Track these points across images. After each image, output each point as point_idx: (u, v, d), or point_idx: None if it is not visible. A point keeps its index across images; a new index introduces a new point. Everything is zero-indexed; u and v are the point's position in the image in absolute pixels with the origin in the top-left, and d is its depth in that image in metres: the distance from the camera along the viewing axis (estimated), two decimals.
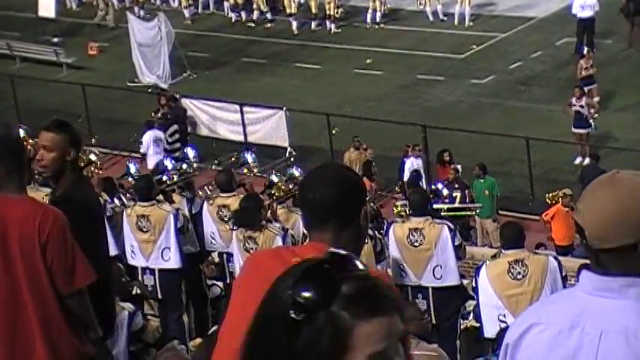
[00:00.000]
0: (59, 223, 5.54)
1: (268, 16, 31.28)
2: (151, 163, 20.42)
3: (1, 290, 5.51)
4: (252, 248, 10.65)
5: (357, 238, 3.60)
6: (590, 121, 21.73)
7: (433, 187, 16.81)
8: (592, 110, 21.80)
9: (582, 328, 2.87)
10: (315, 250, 3.50)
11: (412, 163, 20.02)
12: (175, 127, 23.02)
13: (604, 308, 2.86)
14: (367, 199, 3.73)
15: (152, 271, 11.59)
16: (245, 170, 14.76)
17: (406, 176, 19.57)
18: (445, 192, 16.84)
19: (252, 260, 3.78)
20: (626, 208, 2.84)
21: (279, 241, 10.65)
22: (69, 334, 5.68)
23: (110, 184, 14.47)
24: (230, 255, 11.60)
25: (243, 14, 31.82)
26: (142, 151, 21.87)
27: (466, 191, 18.50)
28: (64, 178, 6.12)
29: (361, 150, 20.93)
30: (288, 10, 30.42)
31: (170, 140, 22.56)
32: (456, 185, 18.00)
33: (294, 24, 30.33)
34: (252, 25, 31.48)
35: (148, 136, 22.00)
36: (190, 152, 15.62)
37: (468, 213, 18.15)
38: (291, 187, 12.71)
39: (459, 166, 19.27)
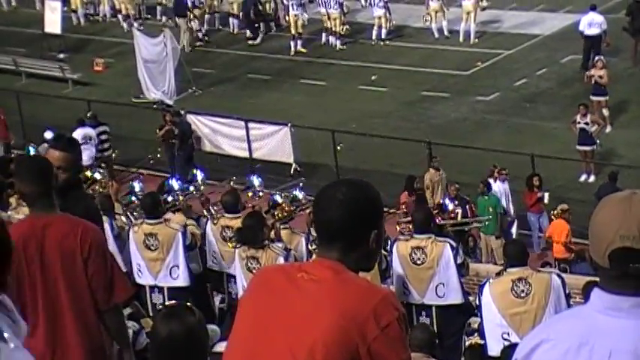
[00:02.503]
0: (99, 238, 5.68)
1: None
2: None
3: (42, 307, 5.56)
4: (254, 267, 10.65)
5: (366, 259, 3.56)
6: (595, 138, 21.74)
7: (440, 201, 16.78)
8: (595, 127, 21.77)
9: (591, 346, 2.89)
10: (321, 267, 3.49)
11: (499, 187, 19.36)
12: (105, 127, 23.25)
13: (613, 327, 2.88)
14: (383, 220, 3.63)
15: (161, 290, 11.58)
16: (250, 193, 14.74)
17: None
18: (450, 207, 16.81)
19: (259, 277, 3.78)
20: None
21: (281, 261, 10.63)
22: (104, 350, 5.75)
23: (108, 203, 14.38)
24: (231, 276, 11.60)
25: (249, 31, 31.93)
26: None
27: (467, 207, 18.49)
28: (69, 194, 6.17)
29: (441, 170, 20.32)
30: (292, 31, 30.40)
31: (98, 140, 22.76)
32: (456, 202, 17.97)
33: (292, 44, 30.30)
34: (256, 42, 31.53)
35: (78, 134, 22.15)
36: (199, 175, 15.62)
37: (475, 226, 18.13)
38: (293, 208, 12.70)
39: (546, 194, 18.96)
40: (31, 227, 5.60)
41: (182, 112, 24.35)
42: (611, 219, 2.92)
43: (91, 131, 22.49)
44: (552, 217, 18.16)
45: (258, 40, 31.59)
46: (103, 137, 23.05)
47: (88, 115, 23.35)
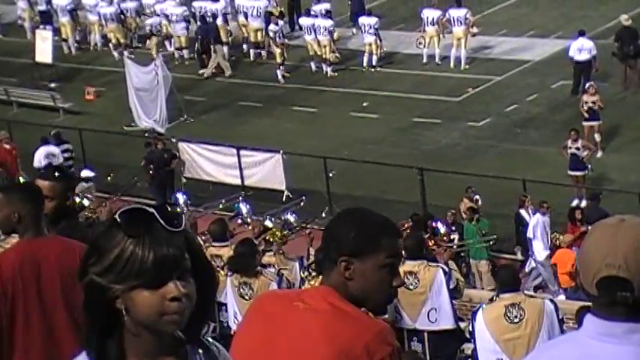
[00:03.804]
0: None
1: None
2: None
3: (38, 332, 5.53)
4: (247, 294, 10.64)
5: (364, 288, 3.49)
6: (587, 163, 21.80)
7: (433, 225, 16.78)
8: (586, 152, 21.83)
9: None
10: (318, 296, 3.48)
11: (538, 220, 18.66)
12: (67, 146, 23.77)
13: (608, 353, 2.85)
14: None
15: None
16: (239, 221, 14.74)
17: (530, 232, 18.60)
18: (442, 231, 16.79)
19: (256, 304, 3.78)
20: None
21: (274, 287, 10.64)
22: None
23: None
24: (222, 305, 11.57)
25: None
26: (35, 165, 22.53)
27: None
28: (61, 223, 6.16)
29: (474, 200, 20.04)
30: (279, 60, 30.43)
31: (63, 157, 23.34)
32: (453, 228, 17.99)
33: (278, 72, 30.33)
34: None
35: (40, 152, 22.57)
36: (181, 198, 15.62)
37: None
38: (285, 232, 12.70)
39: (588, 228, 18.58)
40: (26, 250, 5.58)
41: (151, 143, 24.26)
42: (598, 247, 2.89)
43: (54, 149, 22.83)
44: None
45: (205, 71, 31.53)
46: (66, 155, 23.44)
47: (52, 133, 23.86)
